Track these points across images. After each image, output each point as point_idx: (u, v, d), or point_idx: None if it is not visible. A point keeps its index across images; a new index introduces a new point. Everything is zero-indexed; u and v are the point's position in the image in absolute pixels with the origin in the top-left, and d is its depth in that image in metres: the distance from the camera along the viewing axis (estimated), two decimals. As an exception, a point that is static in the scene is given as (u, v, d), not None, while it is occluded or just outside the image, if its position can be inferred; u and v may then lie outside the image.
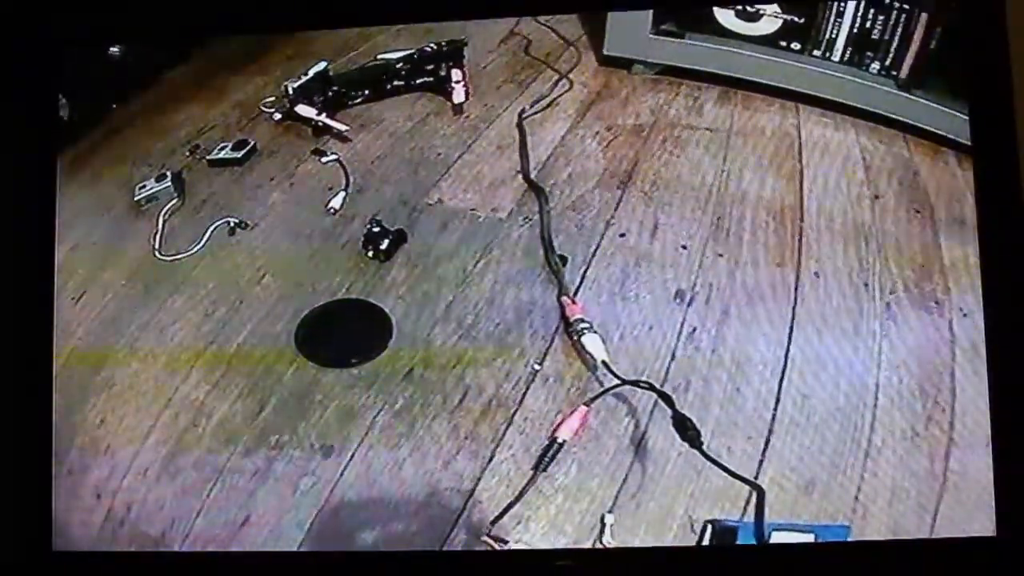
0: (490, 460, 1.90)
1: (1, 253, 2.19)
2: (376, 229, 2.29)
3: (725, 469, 1.79)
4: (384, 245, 2.27)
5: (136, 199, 2.52)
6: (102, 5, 2.25)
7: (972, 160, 2.01)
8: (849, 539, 1.79)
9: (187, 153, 2.66)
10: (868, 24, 2.55)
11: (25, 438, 2.08)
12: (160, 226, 2.44)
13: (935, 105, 2.46)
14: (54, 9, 2.23)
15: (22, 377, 2.13)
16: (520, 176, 2.50)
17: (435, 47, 2.77)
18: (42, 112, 2.27)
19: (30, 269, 2.18)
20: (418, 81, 2.80)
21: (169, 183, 2.51)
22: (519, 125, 2.66)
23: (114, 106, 2.80)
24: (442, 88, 2.77)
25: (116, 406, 2.09)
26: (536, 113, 2.71)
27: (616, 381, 1.97)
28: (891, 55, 2.55)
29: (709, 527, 1.80)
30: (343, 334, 2.15)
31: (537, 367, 2.04)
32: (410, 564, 1.87)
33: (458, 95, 2.74)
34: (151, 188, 2.52)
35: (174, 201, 2.51)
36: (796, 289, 2.16)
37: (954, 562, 1.80)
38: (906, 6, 2.50)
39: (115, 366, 2.16)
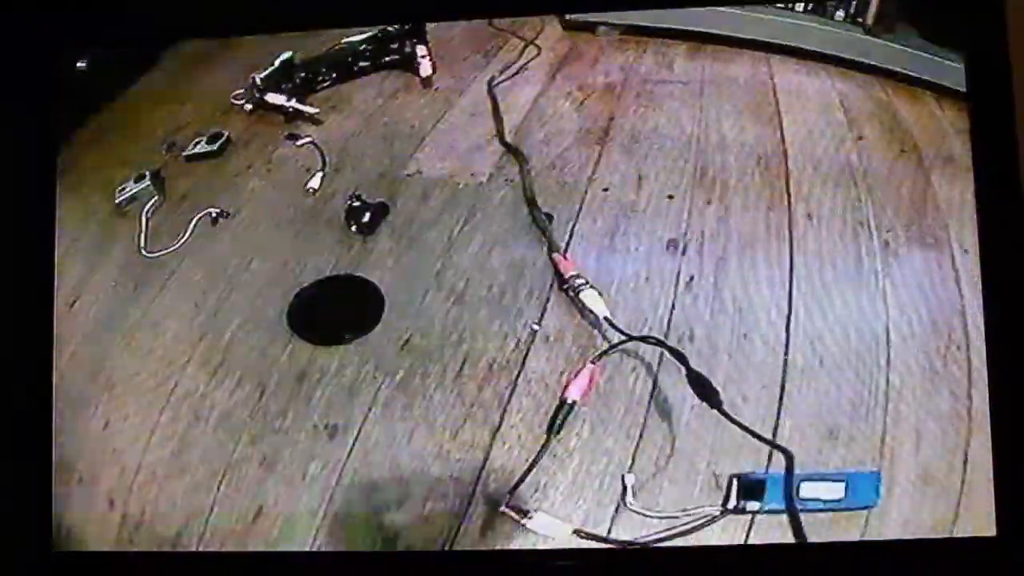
0: (499, 426, 1.83)
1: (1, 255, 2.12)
2: (357, 204, 2.23)
3: (750, 431, 1.73)
4: (367, 218, 2.21)
5: (117, 202, 2.44)
6: (101, 8, 2.19)
7: (972, 154, 1.93)
8: (880, 485, 1.74)
9: (164, 151, 2.58)
10: (823, -28, 2.48)
11: (25, 438, 2.02)
12: (143, 224, 2.36)
13: (906, 48, 2.42)
14: (51, 10, 2.17)
15: (21, 376, 2.06)
16: (496, 140, 2.43)
17: (398, 25, 2.69)
18: (42, 116, 2.20)
19: (29, 271, 2.13)
20: (384, 60, 2.73)
21: (148, 182, 2.43)
22: (490, 92, 2.59)
23: (89, 116, 2.72)
24: (409, 64, 2.70)
25: (119, 408, 2.01)
26: (506, 80, 2.64)
27: (620, 337, 1.90)
28: (854, 2, 2.48)
29: (735, 481, 1.74)
30: (335, 311, 2.09)
31: (536, 327, 1.97)
32: (408, 564, 1.81)
33: (425, 69, 2.66)
34: (131, 189, 2.44)
35: (155, 199, 2.43)
36: (791, 232, 2.11)
37: (954, 562, 1.74)
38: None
39: (113, 368, 2.08)
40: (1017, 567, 1.74)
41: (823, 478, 1.72)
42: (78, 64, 2.58)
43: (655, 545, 1.72)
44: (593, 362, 1.86)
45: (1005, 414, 1.78)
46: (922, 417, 1.79)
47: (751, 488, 1.72)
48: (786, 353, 1.89)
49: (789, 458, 1.70)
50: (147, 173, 2.45)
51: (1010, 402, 1.79)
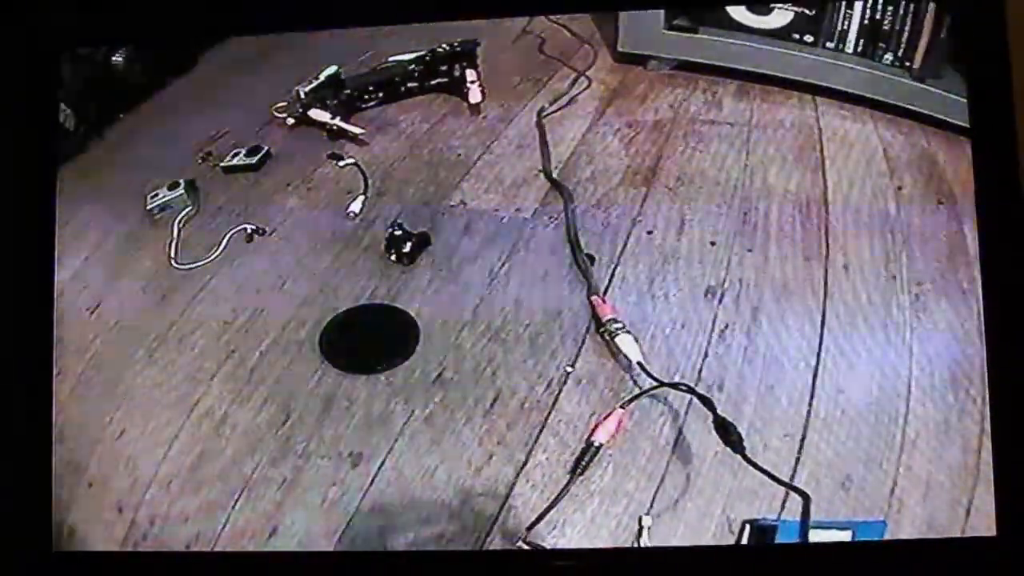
0: (524, 464, 1.84)
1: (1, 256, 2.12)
2: (398, 232, 2.23)
3: (769, 475, 1.74)
4: (407, 248, 2.21)
5: (148, 208, 2.46)
6: (102, 7, 2.19)
7: (972, 152, 1.95)
8: (884, 535, 1.75)
9: (199, 160, 2.61)
10: (878, 15, 2.51)
11: (25, 438, 2.03)
12: (175, 234, 2.38)
13: (949, 95, 2.41)
14: (53, 10, 2.16)
15: (22, 376, 2.08)
16: (542, 175, 2.45)
17: (447, 47, 2.71)
18: (41, 116, 2.20)
19: (30, 272, 2.12)
20: (432, 82, 2.75)
21: (182, 191, 2.45)
22: (539, 124, 2.61)
23: (121, 115, 2.75)
24: (457, 89, 2.72)
25: (136, 418, 2.03)
26: (555, 111, 2.66)
27: (651, 382, 1.92)
28: (903, 46, 2.51)
29: (747, 527, 1.75)
30: (369, 339, 2.09)
31: (569, 369, 1.98)
32: (410, 564, 1.82)
33: (474, 95, 2.68)
34: (164, 196, 2.46)
35: (188, 209, 2.45)
36: (826, 283, 2.12)
37: (954, 562, 1.76)
38: (913, -6, 2.46)
39: (134, 377, 2.09)
40: (1017, 567, 1.76)
41: (831, 526, 1.74)
42: (113, 58, 2.62)
43: (654, 546, 1.75)
44: (623, 407, 1.88)
45: (1005, 413, 1.81)
46: (932, 469, 1.81)
47: (762, 533, 1.75)
48: (810, 404, 1.90)
49: (806, 500, 1.71)
50: (181, 181, 2.47)
51: (1010, 401, 1.81)
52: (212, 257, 2.31)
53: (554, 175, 2.43)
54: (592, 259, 2.18)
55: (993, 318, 1.87)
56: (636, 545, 1.75)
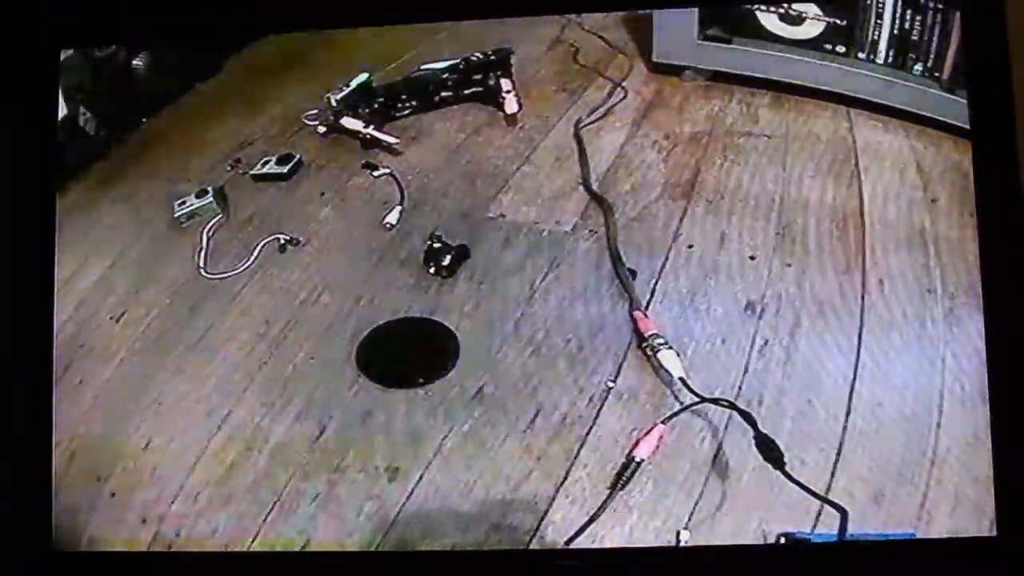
0: (564, 480, 1.84)
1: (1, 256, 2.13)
2: (437, 245, 2.23)
3: (809, 490, 1.75)
4: (447, 261, 2.21)
5: (176, 216, 2.46)
6: (102, 7, 2.19)
7: (972, 153, 1.98)
8: None
9: (228, 168, 2.61)
10: (907, 25, 2.51)
11: (25, 438, 2.04)
12: (204, 243, 2.39)
13: None
14: (53, 10, 2.17)
15: (22, 376, 2.08)
16: (581, 187, 2.44)
17: (481, 56, 2.71)
18: (41, 116, 2.19)
19: (30, 273, 2.12)
20: (467, 92, 2.74)
21: (211, 199, 2.46)
22: (576, 135, 2.61)
23: (144, 120, 2.74)
24: (492, 98, 2.72)
25: (163, 428, 2.03)
26: (592, 122, 2.66)
27: (693, 398, 1.92)
28: (932, 56, 2.50)
29: (783, 540, 1.75)
30: (408, 353, 2.09)
31: (610, 384, 1.98)
32: (414, 563, 1.83)
33: (510, 105, 2.67)
34: (192, 204, 2.46)
35: (218, 217, 2.45)
36: (863, 297, 2.12)
37: (954, 562, 1.76)
38: (940, 5, 2.47)
39: (161, 387, 2.10)
40: (1017, 567, 1.77)
41: (864, 539, 1.75)
42: (134, 62, 2.62)
43: (657, 546, 1.76)
44: (664, 422, 1.88)
45: (1005, 413, 1.82)
46: (962, 482, 1.81)
47: (797, 546, 1.75)
48: (846, 419, 1.90)
49: (843, 516, 1.72)
50: (210, 189, 2.47)
51: (1010, 402, 1.83)
52: (243, 267, 2.31)
53: (594, 188, 2.43)
54: (633, 273, 2.18)
55: (993, 319, 1.88)
56: (638, 546, 1.77)
